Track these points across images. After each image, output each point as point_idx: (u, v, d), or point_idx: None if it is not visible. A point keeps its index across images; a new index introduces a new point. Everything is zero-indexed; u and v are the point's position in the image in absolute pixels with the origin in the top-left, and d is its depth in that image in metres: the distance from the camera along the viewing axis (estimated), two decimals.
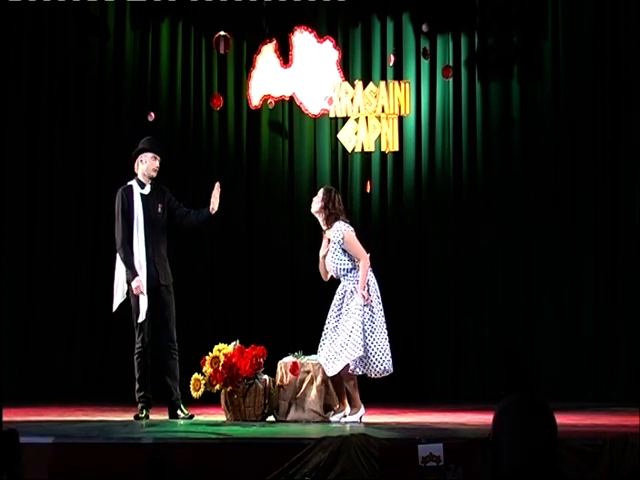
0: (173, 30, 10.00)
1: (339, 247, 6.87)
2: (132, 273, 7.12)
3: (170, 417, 7.16)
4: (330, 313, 6.91)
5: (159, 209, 7.33)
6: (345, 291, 6.88)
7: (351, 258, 6.88)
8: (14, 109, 9.77)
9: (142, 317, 7.08)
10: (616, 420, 6.88)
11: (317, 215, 7.05)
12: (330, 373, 6.78)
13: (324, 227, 7.02)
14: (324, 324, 6.94)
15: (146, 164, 7.32)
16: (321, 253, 7.03)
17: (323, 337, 6.90)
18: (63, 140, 9.80)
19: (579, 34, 9.73)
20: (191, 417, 7.11)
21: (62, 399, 8.87)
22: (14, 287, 9.54)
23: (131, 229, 7.17)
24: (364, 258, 6.83)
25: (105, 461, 5.08)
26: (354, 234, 6.93)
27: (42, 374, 9.52)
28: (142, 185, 7.32)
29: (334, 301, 6.92)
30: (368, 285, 6.81)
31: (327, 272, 7.03)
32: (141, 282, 7.08)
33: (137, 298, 7.11)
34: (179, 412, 7.13)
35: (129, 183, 7.33)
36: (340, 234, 6.88)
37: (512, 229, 9.70)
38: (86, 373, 9.58)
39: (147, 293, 7.12)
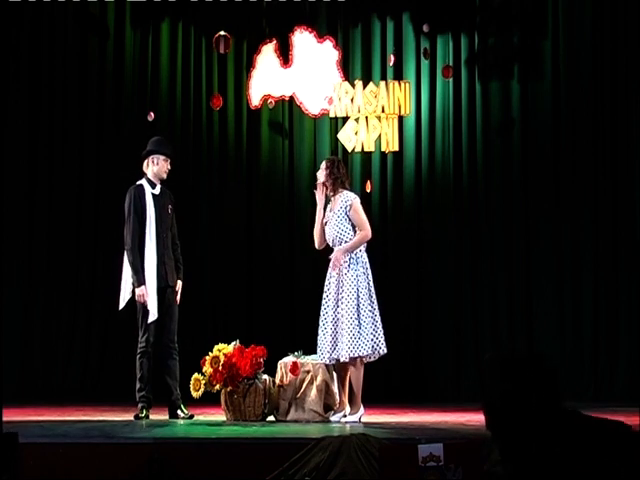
0: (173, 30, 10.00)
1: (344, 214, 6.85)
2: (138, 280, 7.09)
3: (170, 417, 7.15)
4: (328, 287, 6.84)
5: (169, 210, 7.34)
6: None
7: (353, 229, 6.87)
8: (14, 109, 9.76)
9: (152, 317, 7.07)
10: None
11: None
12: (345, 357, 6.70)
13: (330, 194, 6.98)
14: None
15: (157, 166, 7.31)
16: (318, 218, 6.98)
17: (325, 314, 6.84)
18: (63, 140, 9.80)
19: (579, 34, 9.73)
20: (191, 417, 7.11)
21: (62, 399, 8.88)
22: (14, 287, 9.53)
23: (143, 229, 7.15)
24: (366, 230, 6.83)
25: (105, 461, 5.07)
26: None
27: (42, 374, 9.53)
28: (153, 185, 7.31)
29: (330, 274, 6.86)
30: (359, 261, 6.77)
31: (322, 240, 6.98)
32: (145, 291, 7.06)
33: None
34: (179, 412, 7.13)
35: (139, 182, 7.31)
36: (348, 201, 6.87)
37: (512, 229, 9.70)
38: (86, 373, 9.58)
39: (155, 293, 7.11)
